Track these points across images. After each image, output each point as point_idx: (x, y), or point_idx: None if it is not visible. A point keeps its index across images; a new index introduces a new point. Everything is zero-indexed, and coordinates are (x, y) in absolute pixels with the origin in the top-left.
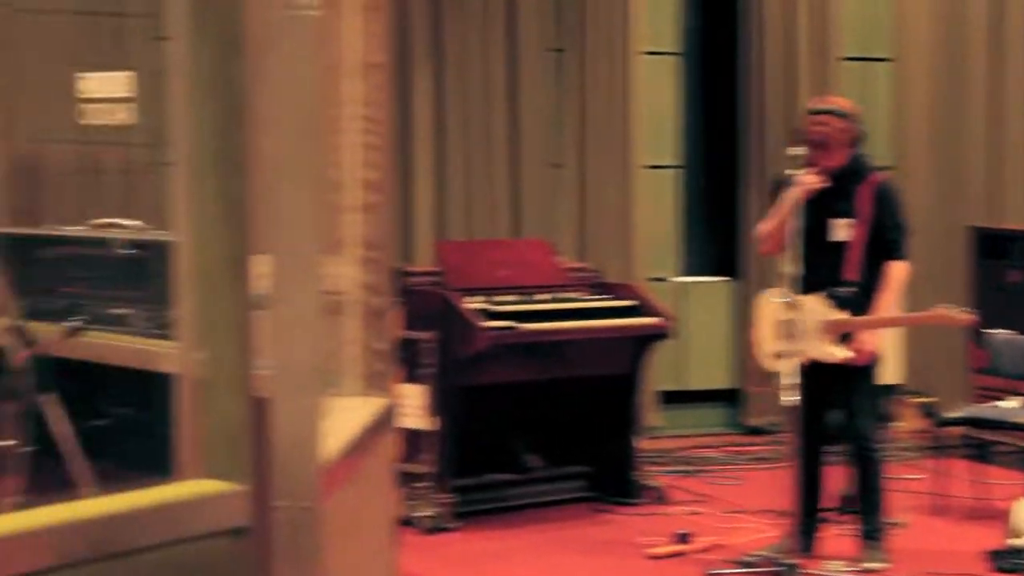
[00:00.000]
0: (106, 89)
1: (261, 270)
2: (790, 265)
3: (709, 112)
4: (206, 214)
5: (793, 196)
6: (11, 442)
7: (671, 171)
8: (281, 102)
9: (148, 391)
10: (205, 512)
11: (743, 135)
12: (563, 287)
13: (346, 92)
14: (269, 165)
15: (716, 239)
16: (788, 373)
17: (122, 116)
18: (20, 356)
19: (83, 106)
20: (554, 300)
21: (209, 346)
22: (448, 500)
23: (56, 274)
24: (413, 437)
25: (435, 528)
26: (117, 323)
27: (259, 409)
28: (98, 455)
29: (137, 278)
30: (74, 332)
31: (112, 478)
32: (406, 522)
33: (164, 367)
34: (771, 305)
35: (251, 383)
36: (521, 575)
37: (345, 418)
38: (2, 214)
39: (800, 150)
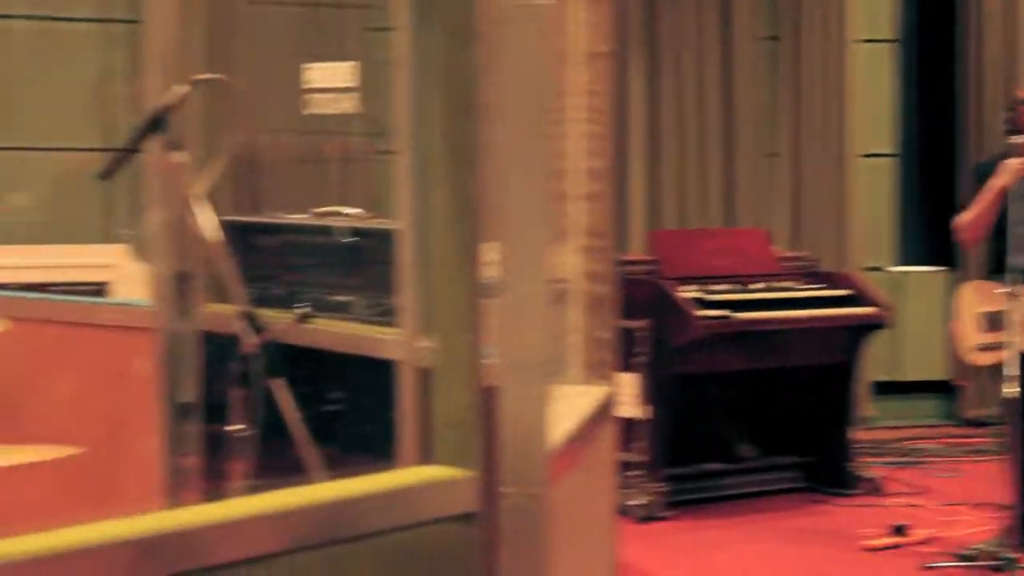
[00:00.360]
0: (330, 79)
1: (490, 258)
2: (1014, 255)
3: (926, 99)
4: (436, 203)
5: (999, 183)
6: (241, 427)
7: (887, 159)
8: (511, 91)
9: (370, 377)
10: (434, 498)
11: (961, 122)
12: (778, 276)
13: (570, 81)
14: (499, 154)
15: (933, 228)
16: (1009, 365)
17: (346, 106)
18: (251, 342)
19: (308, 96)
20: (769, 289)
21: (439, 334)
22: (661, 489)
23: (278, 261)
24: (626, 426)
25: (648, 517)
26: (339, 310)
27: (487, 397)
28: (323, 440)
29: (358, 265)
30: (303, 319)
31: (337, 463)
32: (619, 511)
33: (387, 354)
34: (974, 297)
35: (480, 371)
36: (735, 565)
37: (568, 406)
38: (227, 202)
39: (1021, 138)
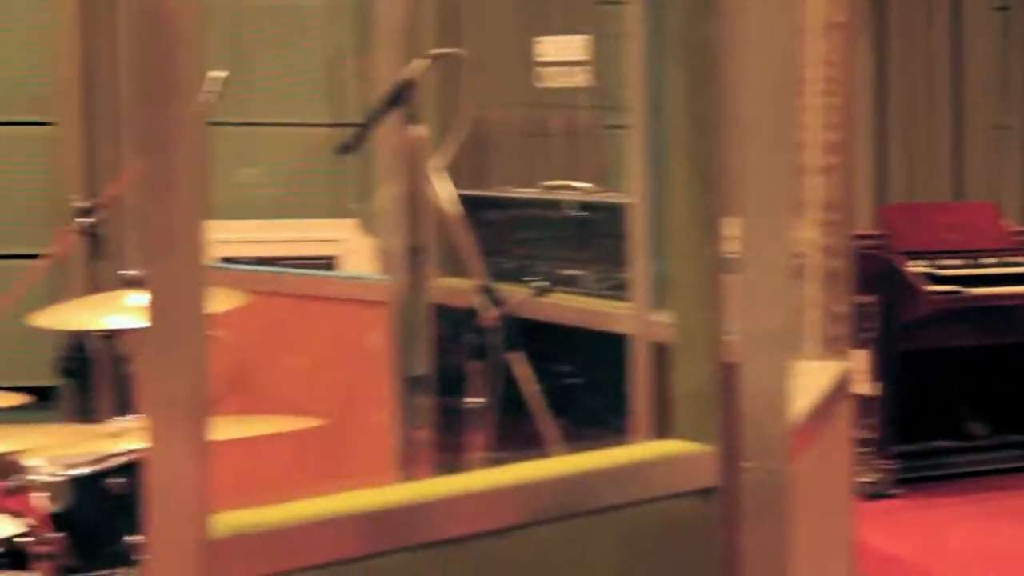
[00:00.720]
0: (563, 53)
1: (730, 232)
2: None
3: None
4: (676, 176)
5: None
6: (478, 399)
7: None
8: (753, 63)
9: (601, 351)
10: (674, 472)
11: None
12: (1010, 251)
13: (809, 53)
14: (740, 127)
15: None
16: None
17: (578, 79)
18: (490, 315)
19: (540, 69)
20: (1001, 264)
21: (679, 309)
22: (890, 466)
23: (506, 235)
24: (857, 402)
25: (877, 494)
26: (568, 283)
27: (727, 372)
28: (555, 413)
29: (588, 239)
30: (541, 292)
31: (569, 436)
32: None
33: (619, 328)
34: None
35: (720, 346)
36: (966, 543)
37: (806, 382)
38: (456, 176)
39: None
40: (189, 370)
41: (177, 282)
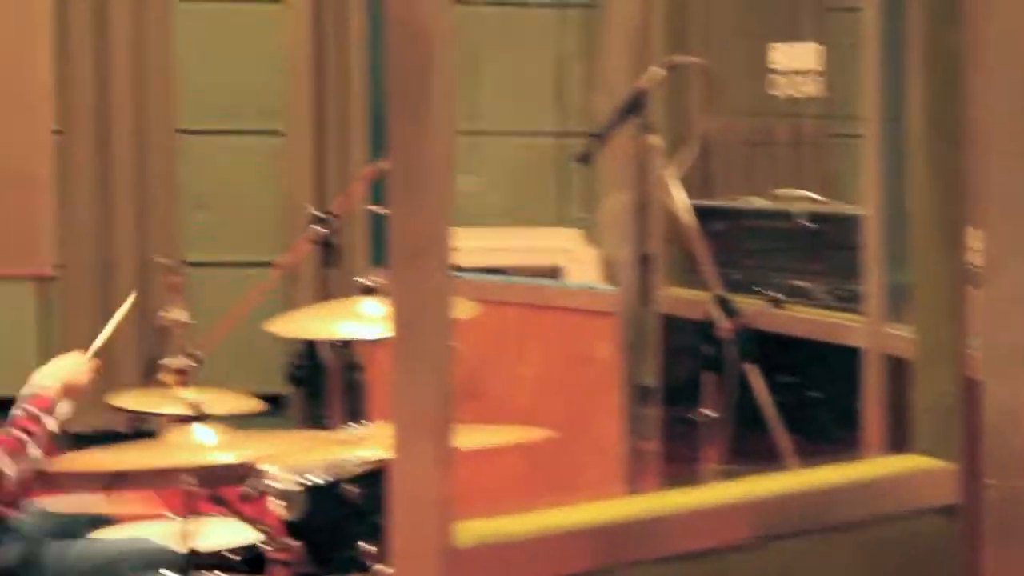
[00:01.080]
0: (794, 61)
1: (974, 245)
2: None
3: None
4: (917, 186)
5: None
6: (712, 411)
7: None
8: (999, 70)
9: (832, 363)
10: (914, 489)
11: None
12: None
13: None
14: (984, 135)
15: None
16: None
17: (809, 88)
18: (726, 327)
19: (773, 77)
20: None
21: (920, 322)
22: None
23: (733, 245)
24: None
25: None
26: (798, 295)
27: (969, 388)
28: (789, 425)
29: (817, 250)
30: (777, 303)
31: (801, 449)
32: None
33: (851, 341)
34: None
35: (963, 361)
36: None
37: None
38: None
39: None
40: (435, 379)
41: (424, 289)
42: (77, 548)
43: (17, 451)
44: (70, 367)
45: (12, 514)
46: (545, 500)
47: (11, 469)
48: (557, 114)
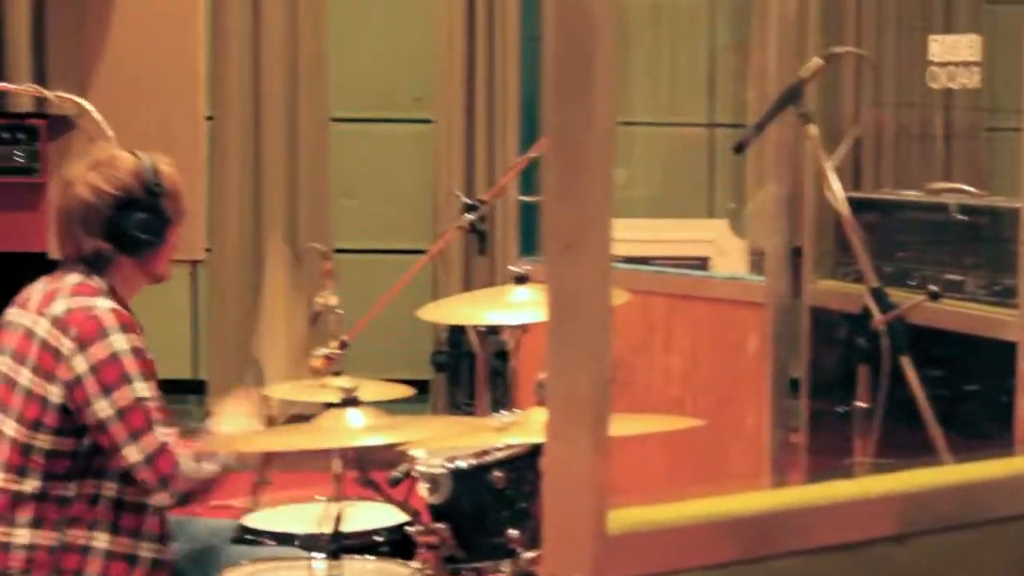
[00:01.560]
0: (953, 53)
1: None
2: None
3: None
4: None
5: None
6: (863, 404)
7: None
8: None
9: (985, 357)
10: None
11: None
12: None
13: None
14: None
15: None
16: None
17: (967, 81)
18: (881, 319)
19: (932, 70)
20: None
21: None
22: None
23: (886, 238)
24: None
25: None
26: (952, 289)
27: None
28: (942, 420)
29: (970, 244)
30: (935, 297)
31: (952, 443)
32: None
33: (1005, 335)
34: None
35: None
36: None
37: None
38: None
39: None
40: (593, 365)
41: (584, 277)
42: (245, 553)
43: (205, 454)
44: (243, 428)
45: (187, 515)
46: (692, 490)
47: (213, 464)
48: (707, 105)
